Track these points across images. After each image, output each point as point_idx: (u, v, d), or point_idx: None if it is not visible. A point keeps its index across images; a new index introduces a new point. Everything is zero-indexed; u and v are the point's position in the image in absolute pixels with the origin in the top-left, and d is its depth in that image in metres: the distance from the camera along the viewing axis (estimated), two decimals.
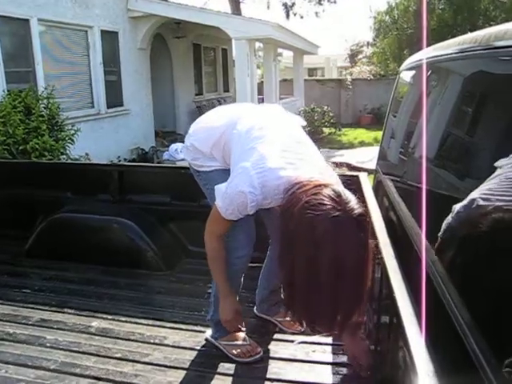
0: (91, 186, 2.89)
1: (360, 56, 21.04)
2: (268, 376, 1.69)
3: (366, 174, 2.36)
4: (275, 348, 1.88)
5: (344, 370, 1.70)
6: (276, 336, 1.96)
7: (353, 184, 2.43)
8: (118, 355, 1.84)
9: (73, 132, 5.31)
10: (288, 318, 1.97)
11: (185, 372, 1.72)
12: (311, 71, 24.52)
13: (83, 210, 2.75)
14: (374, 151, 2.80)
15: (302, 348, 1.87)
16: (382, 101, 13.83)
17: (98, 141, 7.02)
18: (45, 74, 5.96)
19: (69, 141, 5.24)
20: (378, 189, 2.27)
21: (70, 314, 2.15)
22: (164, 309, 2.23)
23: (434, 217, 1.12)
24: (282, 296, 1.78)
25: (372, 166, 2.78)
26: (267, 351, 1.83)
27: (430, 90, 1.58)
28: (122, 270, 2.59)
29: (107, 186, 2.85)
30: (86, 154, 6.11)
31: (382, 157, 2.45)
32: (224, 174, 1.59)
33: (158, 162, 7.70)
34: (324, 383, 1.64)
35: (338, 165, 8.73)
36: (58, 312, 2.15)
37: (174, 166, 3.66)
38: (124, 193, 2.86)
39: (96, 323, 2.09)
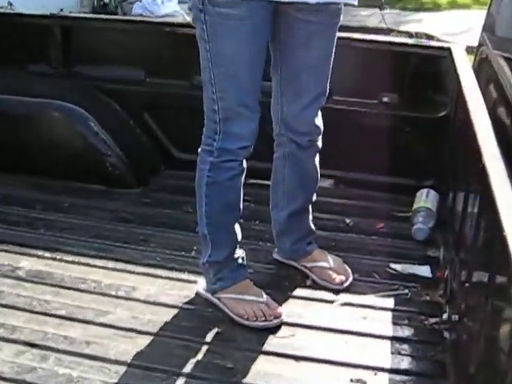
0: (18, 52, 2.85)
1: None
2: (290, 352, 1.73)
3: (461, 46, 2.45)
4: (302, 311, 1.92)
5: (408, 349, 1.75)
6: (305, 293, 2.01)
7: (440, 63, 2.47)
8: (61, 312, 1.87)
9: None
10: (326, 264, 2.05)
11: (162, 341, 1.76)
12: None
13: (5, 89, 2.73)
14: (474, 18, 2.87)
15: (345, 312, 1.92)
16: None
17: None
18: None
19: None
20: (482, 70, 2.33)
21: None
22: (132, 245, 2.27)
23: None
24: (313, 227, 2.06)
25: (467, 40, 2.86)
26: (290, 315, 1.87)
27: None
28: (67, 185, 2.64)
29: (44, 51, 2.84)
30: (10, 4, 5.92)
31: (489, 26, 2.48)
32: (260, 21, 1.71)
33: None
34: (378, 367, 1.67)
35: (413, 36, 8.39)
36: None
37: (152, 21, 3.52)
38: (71, 62, 2.85)
39: (26, 264, 2.12)
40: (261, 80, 1.76)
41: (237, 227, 1.89)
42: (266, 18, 1.70)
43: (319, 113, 1.92)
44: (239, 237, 1.89)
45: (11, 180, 2.67)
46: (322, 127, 1.94)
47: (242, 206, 1.87)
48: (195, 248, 2.16)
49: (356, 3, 1.79)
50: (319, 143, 1.97)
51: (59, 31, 2.81)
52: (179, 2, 7.95)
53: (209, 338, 1.78)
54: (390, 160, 2.56)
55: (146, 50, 2.77)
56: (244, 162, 1.82)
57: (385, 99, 2.60)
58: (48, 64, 2.84)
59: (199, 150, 1.83)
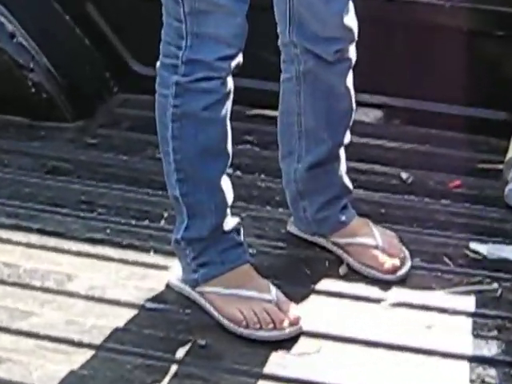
0: None
1: None
2: (313, 379, 1.75)
3: None
4: (332, 315, 1.95)
5: (496, 375, 1.75)
6: (335, 286, 2.04)
7: None
8: None
9: None
10: (371, 241, 2.07)
11: (113, 358, 1.77)
12: None
13: None
14: None
15: (399, 318, 1.94)
16: None
17: None
18: None
19: None
20: None
21: None
22: (68, 210, 2.31)
23: None
24: (349, 184, 2.10)
25: None
26: (313, 321, 1.89)
27: None
28: None
29: None
30: None
31: None
32: None
33: None
34: None
35: None
36: None
37: None
38: None
39: None
40: None
41: (225, 183, 1.88)
42: None
43: (351, 4, 1.90)
44: (230, 198, 1.89)
45: None
46: (356, 28, 1.93)
47: (230, 148, 1.87)
48: (165, 215, 2.19)
49: None
50: (352, 54, 1.97)
51: None
52: None
53: (185, 354, 1.78)
54: (472, 82, 2.55)
55: None
56: (229, 80, 1.80)
57: None
58: None
59: (157, 65, 1.82)
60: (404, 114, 2.71)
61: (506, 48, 2.57)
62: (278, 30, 1.97)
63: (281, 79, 2.04)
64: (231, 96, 1.82)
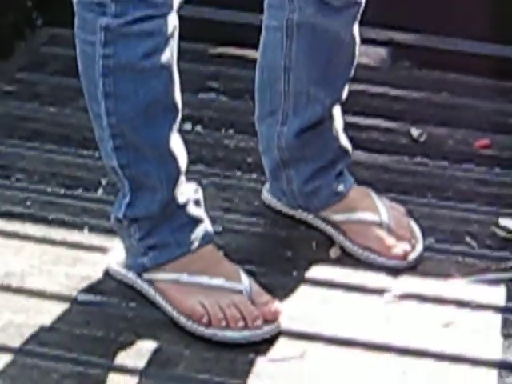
0: None
1: None
2: None
3: None
4: (321, 310, 1.96)
5: None
6: (327, 273, 2.07)
7: None
8: None
9: None
10: (374, 218, 2.11)
11: (40, 366, 1.77)
12: None
13: None
14: None
15: (409, 314, 1.96)
16: None
17: None
18: None
19: None
20: None
21: None
22: None
23: None
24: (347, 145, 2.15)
25: None
26: (297, 318, 1.91)
27: None
28: None
29: None
30: None
31: None
32: None
33: None
34: None
35: None
36: None
37: None
38: None
39: None
40: None
41: (176, 144, 1.89)
42: None
43: None
44: (184, 162, 1.90)
45: None
46: None
47: (179, 100, 1.87)
48: (104, 182, 2.21)
49: None
50: None
51: None
52: None
53: (128, 359, 1.80)
54: (501, 12, 2.58)
55: None
56: (173, 16, 1.81)
57: None
58: None
59: (74, 1, 1.78)
60: (415, 54, 2.73)
61: None
62: None
63: (263, 26, 2.06)
64: (176, 34, 1.82)
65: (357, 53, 2.04)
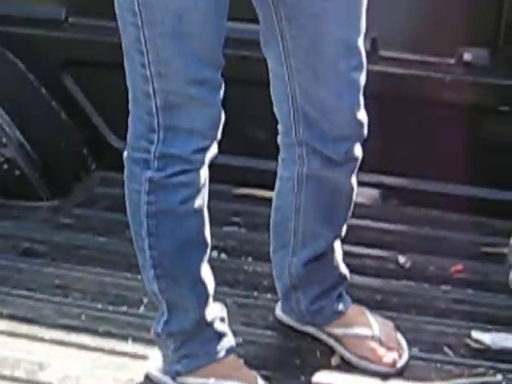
0: None
1: None
2: None
3: None
4: None
5: None
6: (329, 379, 2.03)
7: None
8: None
9: None
10: (368, 332, 2.09)
11: None
12: None
13: None
14: None
15: None
16: None
17: None
18: None
19: None
20: None
21: None
22: (42, 294, 2.30)
23: None
24: (346, 272, 2.10)
25: None
26: None
27: None
28: None
29: None
30: None
31: None
32: None
33: None
34: None
35: None
36: None
37: None
38: None
39: None
40: (224, 35, 1.73)
41: (206, 273, 1.89)
42: None
43: (361, 97, 1.88)
44: (212, 288, 1.90)
45: None
46: (366, 123, 1.92)
47: (209, 236, 1.87)
48: (145, 301, 2.20)
49: None
50: (359, 152, 1.95)
51: None
52: None
53: None
54: (474, 160, 2.59)
55: None
56: (204, 169, 1.81)
57: (467, 57, 2.60)
58: None
59: (124, 156, 1.81)
60: (402, 194, 2.73)
61: (510, 124, 2.61)
62: (280, 130, 1.97)
63: (278, 175, 2.04)
64: (207, 183, 1.82)
65: (354, 197, 2.02)
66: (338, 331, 2.09)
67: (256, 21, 1.86)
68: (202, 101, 1.71)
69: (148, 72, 1.67)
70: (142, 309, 2.20)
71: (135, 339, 2.10)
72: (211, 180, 1.85)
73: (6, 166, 2.71)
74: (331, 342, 2.11)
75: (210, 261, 1.92)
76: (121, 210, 2.55)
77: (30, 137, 2.75)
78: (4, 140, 2.70)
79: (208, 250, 1.88)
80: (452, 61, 2.61)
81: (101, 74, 2.84)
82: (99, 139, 2.90)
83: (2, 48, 2.86)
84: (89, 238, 2.58)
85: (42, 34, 2.84)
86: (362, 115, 1.88)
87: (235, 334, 1.98)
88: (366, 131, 1.91)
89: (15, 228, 2.62)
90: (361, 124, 1.89)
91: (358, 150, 1.94)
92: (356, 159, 1.95)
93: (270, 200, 2.09)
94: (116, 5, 1.68)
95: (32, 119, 2.82)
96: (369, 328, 2.07)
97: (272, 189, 2.08)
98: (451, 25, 2.57)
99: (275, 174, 2.04)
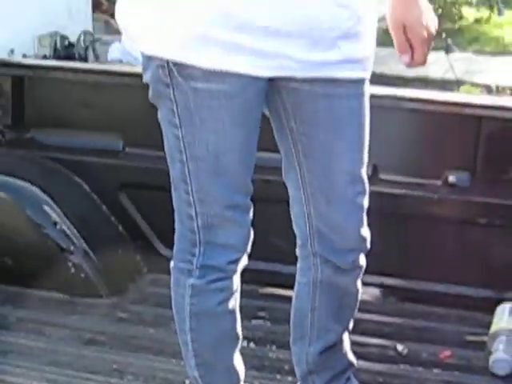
0: None
1: None
2: None
3: None
4: None
5: None
6: None
7: None
8: None
9: None
10: None
11: None
12: None
13: None
14: None
15: None
16: None
17: None
18: None
19: None
20: None
21: None
22: (102, 377, 2.31)
23: None
24: (353, 359, 2.05)
25: None
26: None
27: None
28: (14, 291, 2.73)
29: None
30: None
31: None
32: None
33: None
34: None
35: (492, 90, 8.52)
36: None
37: (133, 71, 3.60)
38: (23, 126, 3.00)
39: None
40: (253, 167, 1.81)
41: (238, 361, 1.93)
42: (260, 90, 1.72)
43: (365, 217, 1.92)
44: (243, 373, 1.93)
45: None
46: (369, 238, 1.95)
47: (240, 330, 1.91)
48: (187, 382, 2.19)
49: (365, 75, 1.81)
50: (363, 261, 1.97)
51: (9, 84, 2.96)
52: None
53: None
54: (459, 263, 2.63)
55: (126, 111, 2.90)
56: (237, 276, 1.86)
57: (451, 179, 2.66)
58: None
59: (171, 265, 1.87)
60: (399, 293, 2.74)
61: (488, 234, 2.65)
62: (298, 243, 1.98)
63: (297, 280, 2.04)
64: (239, 288, 1.87)
65: (359, 297, 2.03)
66: None
67: (277, 151, 1.91)
68: (235, 222, 1.78)
69: (191, 198, 1.75)
70: None
71: None
72: (242, 281, 1.89)
73: (73, 270, 2.73)
74: None
75: (241, 349, 1.94)
76: (167, 307, 2.54)
77: (92, 246, 2.79)
78: (72, 248, 2.74)
79: (240, 342, 1.91)
80: (439, 182, 2.67)
81: (152, 195, 2.87)
82: (150, 248, 2.92)
83: (70, 173, 2.92)
84: (141, 329, 2.59)
85: (103, 161, 2.92)
86: (366, 231, 1.92)
87: None
88: (368, 244, 1.94)
89: (80, 321, 2.63)
90: (364, 239, 1.92)
91: (362, 260, 1.96)
92: (361, 267, 1.97)
93: (290, 298, 2.09)
94: (165, 144, 1.77)
95: (94, 231, 2.86)
96: None
97: (292, 288, 2.07)
98: (438, 153, 2.67)
99: (294, 276, 2.05)
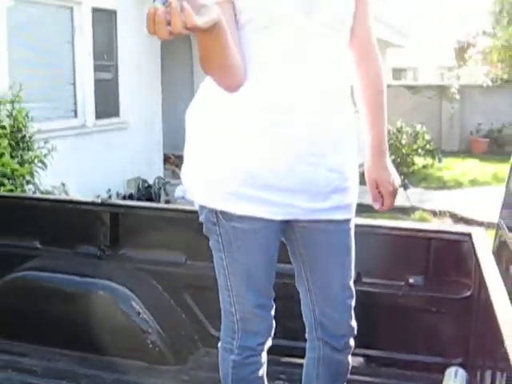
0: (69, 234, 3.01)
1: (471, 51, 20.96)
2: None
3: (482, 230, 2.44)
4: None
5: None
6: None
7: (461, 246, 2.51)
8: None
9: (45, 152, 5.42)
10: None
11: None
12: (397, 73, 24.11)
13: (56, 268, 2.88)
14: (494, 195, 2.91)
15: None
16: (504, 118, 13.78)
17: (81, 166, 6.91)
18: (10, 68, 5.96)
19: (39, 164, 5.37)
20: (502, 254, 2.35)
21: None
22: None
23: None
24: None
25: (491, 217, 2.88)
26: None
27: None
28: (110, 361, 2.71)
29: (93, 235, 2.98)
30: (63, 185, 6.21)
31: (509, 204, 2.49)
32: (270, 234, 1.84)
33: (167, 201, 7.83)
34: None
35: (437, 214, 8.68)
36: None
37: (192, 209, 3.75)
38: (118, 245, 2.99)
39: None
40: (274, 279, 1.88)
41: None
42: (278, 228, 1.82)
43: (353, 312, 1.95)
44: None
45: (56, 353, 2.74)
46: (356, 326, 1.96)
47: None
48: None
49: (351, 216, 1.87)
50: (353, 342, 1.98)
51: (108, 216, 3.02)
52: None
53: None
54: (419, 339, 2.64)
55: (187, 235, 2.88)
56: (264, 353, 1.90)
57: (411, 281, 2.69)
58: (96, 246, 3.00)
59: (219, 345, 1.91)
60: (378, 360, 2.66)
61: (438, 318, 2.65)
62: (306, 329, 1.99)
63: (306, 355, 2.03)
64: (266, 360, 1.91)
65: (349, 369, 2.02)
66: None
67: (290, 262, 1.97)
68: (262, 317, 1.86)
69: (232, 300, 1.85)
70: None
71: None
72: (268, 353, 1.94)
73: (150, 345, 2.72)
74: None
75: None
76: (217, 372, 2.51)
77: (164, 327, 2.78)
78: (150, 330, 2.75)
79: None
80: (402, 283, 2.69)
81: (206, 293, 2.75)
82: (204, 330, 2.90)
83: (149, 278, 2.93)
84: None
85: (171, 270, 2.93)
86: (353, 322, 1.96)
87: None
88: (355, 331, 1.97)
89: (155, 381, 2.57)
90: (353, 328, 1.96)
91: (351, 342, 1.97)
92: (351, 347, 1.98)
93: (302, 365, 2.08)
94: (214, 263, 1.86)
95: (165, 317, 2.84)
96: None
97: (303, 358, 2.06)
98: (401, 263, 2.71)
99: (304, 349, 2.06)
